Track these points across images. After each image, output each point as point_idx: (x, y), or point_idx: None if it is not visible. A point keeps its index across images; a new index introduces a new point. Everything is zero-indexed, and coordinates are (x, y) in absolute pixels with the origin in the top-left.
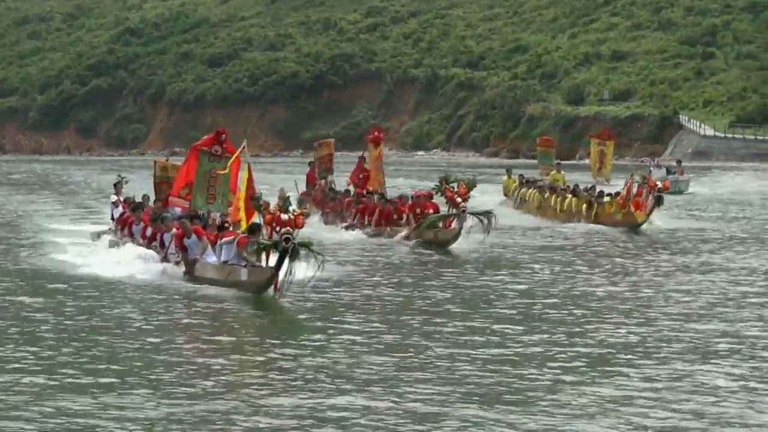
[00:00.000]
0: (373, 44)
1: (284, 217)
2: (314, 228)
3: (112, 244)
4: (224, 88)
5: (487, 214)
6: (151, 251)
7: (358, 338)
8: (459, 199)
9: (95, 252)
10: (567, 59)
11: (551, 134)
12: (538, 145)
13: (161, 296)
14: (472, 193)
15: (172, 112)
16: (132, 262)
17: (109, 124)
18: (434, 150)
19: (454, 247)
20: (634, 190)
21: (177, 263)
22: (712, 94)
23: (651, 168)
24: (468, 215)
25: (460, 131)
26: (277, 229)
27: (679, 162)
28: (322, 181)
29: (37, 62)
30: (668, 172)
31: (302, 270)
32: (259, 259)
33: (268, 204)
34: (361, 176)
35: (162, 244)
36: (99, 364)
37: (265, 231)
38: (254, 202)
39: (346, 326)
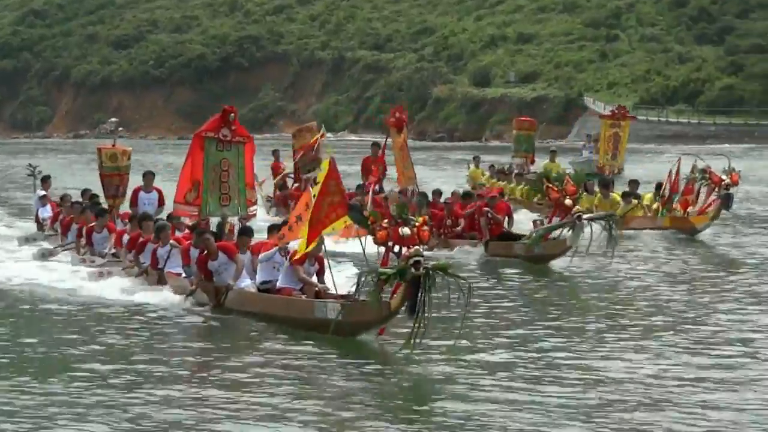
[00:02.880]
0: (280, 26)
1: (404, 231)
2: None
3: (45, 254)
4: (130, 70)
5: (609, 217)
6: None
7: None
8: (569, 201)
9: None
10: (473, 41)
11: (457, 116)
12: (515, 127)
13: (198, 340)
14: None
15: (77, 95)
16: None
17: (13, 107)
18: (342, 132)
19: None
20: (681, 185)
21: (190, 293)
22: (617, 76)
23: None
24: (585, 222)
25: (368, 113)
26: (395, 249)
27: (589, 135)
28: (306, 176)
29: None
30: None
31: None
32: (378, 295)
33: (376, 215)
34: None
35: (155, 263)
36: None
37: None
38: (354, 213)
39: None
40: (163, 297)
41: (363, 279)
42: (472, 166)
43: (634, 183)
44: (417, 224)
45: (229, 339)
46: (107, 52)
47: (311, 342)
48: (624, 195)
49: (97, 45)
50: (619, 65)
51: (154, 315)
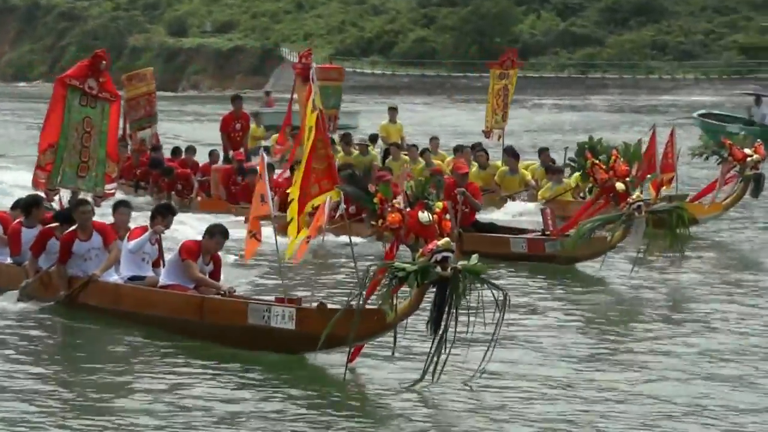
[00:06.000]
0: None
1: (424, 217)
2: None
3: None
4: None
5: (678, 209)
6: None
7: None
8: (621, 185)
9: None
10: None
11: (154, 66)
12: (318, 77)
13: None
14: None
15: None
16: None
17: None
18: (36, 81)
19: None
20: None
21: (26, 286)
22: (312, 27)
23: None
24: (644, 215)
25: (63, 62)
26: (409, 241)
27: (267, 93)
28: (142, 134)
29: None
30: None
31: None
32: (390, 297)
33: (388, 192)
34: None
35: None
36: None
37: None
38: (352, 188)
39: None
40: None
41: (368, 277)
42: (253, 125)
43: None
44: (438, 210)
45: (105, 349)
46: None
47: (245, 363)
48: (549, 170)
49: None
50: (314, 16)
51: None
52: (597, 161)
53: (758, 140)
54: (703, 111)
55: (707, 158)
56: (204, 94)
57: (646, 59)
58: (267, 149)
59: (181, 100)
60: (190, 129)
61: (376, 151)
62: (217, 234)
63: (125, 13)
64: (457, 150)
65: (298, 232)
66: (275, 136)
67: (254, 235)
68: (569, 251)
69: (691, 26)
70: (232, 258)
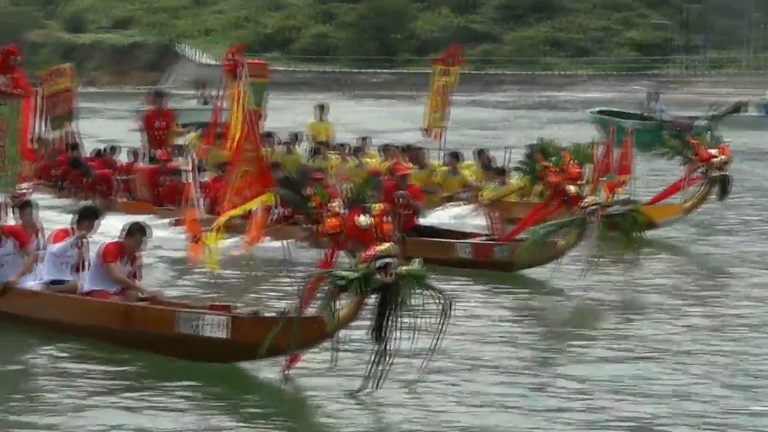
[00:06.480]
0: None
1: (363, 221)
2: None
3: None
4: None
5: (633, 212)
6: None
7: None
8: (573, 188)
9: None
10: None
11: (52, 63)
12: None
13: None
14: None
15: None
16: None
17: None
18: None
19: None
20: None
21: None
22: (213, 23)
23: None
24: (599, 219)
25: None
26: (348, 247)
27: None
28: (56, 133)
29: None
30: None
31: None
32: (330, 305)
33: (324, 195)
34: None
35: None
36: None
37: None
38: (287, 191)
39: None
40: None
41: (304, 285)
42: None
43: (483, 155)
44: (375, 213)
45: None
46: None
47: (178, 373)
48: (490, 171)
49: None
50: (214, 12)
51: None
52: (547, 164)
53: (726, 141)
54: (598, 108)
55: (671, 158)
56: (102, 91)
57: (542, 56)
58: (180, 147)
59: (80, 97)
60: (95, 126)
61: (300, 149)
62: (136, 232)
63: (21, 8)
64: (385, 149)
65: (216, 237)
66: (192, 134)
67: (196, 239)
68: (523, 257)
69: (588, 23)
70: (154, 259)
